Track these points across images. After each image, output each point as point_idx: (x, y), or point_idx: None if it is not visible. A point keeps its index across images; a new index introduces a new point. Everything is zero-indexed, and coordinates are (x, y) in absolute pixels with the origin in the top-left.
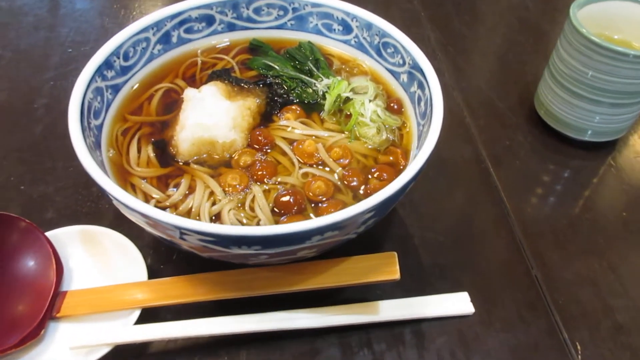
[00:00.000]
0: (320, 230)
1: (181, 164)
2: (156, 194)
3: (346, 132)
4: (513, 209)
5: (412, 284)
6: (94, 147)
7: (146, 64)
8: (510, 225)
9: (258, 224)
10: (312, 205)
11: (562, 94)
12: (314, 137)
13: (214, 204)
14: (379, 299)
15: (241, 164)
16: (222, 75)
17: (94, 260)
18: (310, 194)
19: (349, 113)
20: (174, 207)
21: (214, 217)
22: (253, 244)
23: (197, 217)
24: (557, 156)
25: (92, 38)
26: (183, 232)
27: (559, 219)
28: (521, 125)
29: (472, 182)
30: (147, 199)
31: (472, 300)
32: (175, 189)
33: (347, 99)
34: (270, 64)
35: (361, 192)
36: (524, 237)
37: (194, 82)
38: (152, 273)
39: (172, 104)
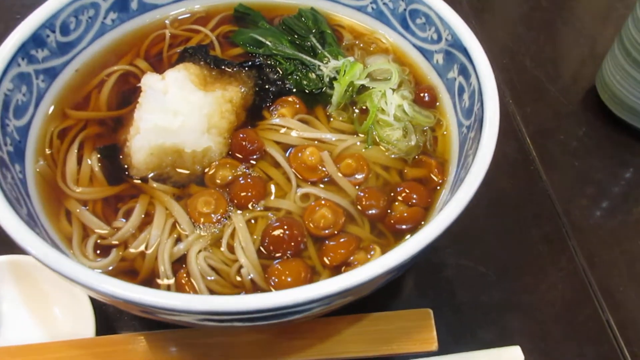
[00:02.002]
0: (323, 300)
1: (136, 180)
2: (99, 226)
3: (361, 135)
4: (573, 227)
5: (447, 334)
6: (11, 160)
7: (95, 40)
8: (570, 250)
9: (239, 271)
10: (315, 241)
11: (636, 75)
12: (316, 143)
13: (178, 240)
14: (406, 358)
15: (218, 181)
16: (197, 53)
17: (28, 304)
18: (312, 225)
19: (364, 107)
20: (123, 246)
21: (182, 260)
22: (225, 320)
23: (155, 261)
24: (626, 155)
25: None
26: (126, 302)
27: (634, 240)
28: (578, 113)
29: (519, 190)
30: (86, 233)
31: (526, 358)
32: (124, 220)
33: (363, 88)
34: (261, 38)
35: (383, 222)
36: (589, 266)
37: (161, 62)
38: (105, 321)
39: (130, 93)
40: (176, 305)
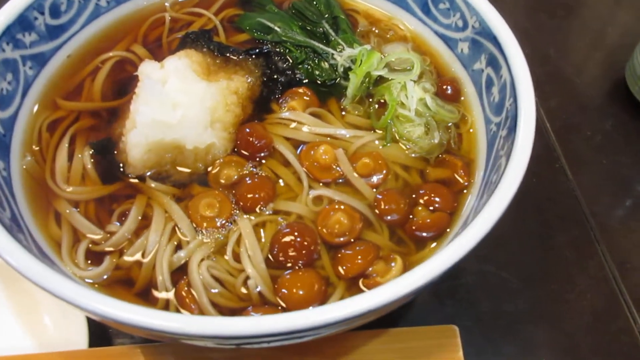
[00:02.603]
0: (342, 322)
1: (133, 179)
2: (91, 231)
3: (379, 131)
4: (601, 230)
5: (467, 346)
6: None
7: (89, 23)
8: (599, 255)
9: (245, 282)
10: (329, 249)
11: None
12: (329, 139)
13: (179, 247)
14: None
15: (222, 180)
16: (200, 39)
17: (17, 310)
18: (326, 231)
19: (382, 101)
20: (118, 253)
21: (182, 269)
22: (230, 343)
23: (152, 270)
24: None
25: None
26: (118, 323)
27: None
28: (606, 107)
29: (543, 189)
30: (77, 238)
31: None
32: (119, 223)
33: (380, 79)
34: (269, 23)
35: (403, 228)
36: (620, 273)
37: (160, 49)
38: (99, 330)
39: (127, 82)
40: (175, 328)
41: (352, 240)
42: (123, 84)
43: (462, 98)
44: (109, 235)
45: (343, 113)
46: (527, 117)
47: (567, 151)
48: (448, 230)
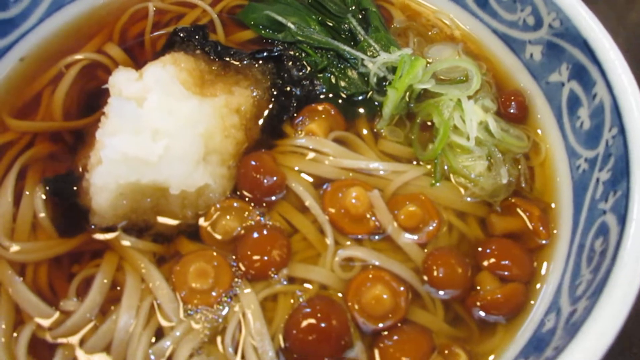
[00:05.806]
0: None
1: (98, 235)
2: (40, 311)
3: (425, 165)
4: None
5: None
6: None
7: (49, 16)
8: None
9: None
10: (363, 334)
11: None
12: (351, 174)
13: (160, 333)
14: None
15: (219, 236)
16: (191, 38)
17: None
18: (359, 307)
19: (429, 123)
20: (77, 343)
21: None
22: None
23: None
24: None
25: None
26: None
27: None
28: None
29: None
30: (20, 319)
31: None
32: (76, 299)
33: (425, 93)
34: (280, 18)
35: (463, 303)
36: None
37: (141, 49)
38: None
39: (98, 93)
40: None
41: (394, 323)
42: (93, 96)
43: (534, 120)
44: (64, 315)
45: (379, 139)
46: None
47: None
48: (533, 302)
